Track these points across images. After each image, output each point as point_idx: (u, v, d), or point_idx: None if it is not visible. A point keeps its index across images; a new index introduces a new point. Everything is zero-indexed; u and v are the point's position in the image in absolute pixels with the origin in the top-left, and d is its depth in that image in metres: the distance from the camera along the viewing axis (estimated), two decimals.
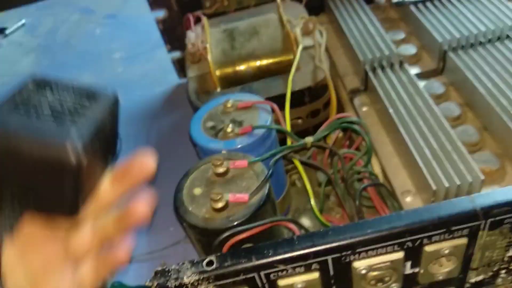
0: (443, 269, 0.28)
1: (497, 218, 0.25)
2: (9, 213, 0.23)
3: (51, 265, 0.23)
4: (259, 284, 0.26)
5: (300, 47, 0.42)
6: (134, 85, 0.64)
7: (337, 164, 0.38)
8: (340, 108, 0.47)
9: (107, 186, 0.24)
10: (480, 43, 0.44)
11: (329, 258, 0.25)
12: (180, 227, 0.45)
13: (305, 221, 0.42)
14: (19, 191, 0.23)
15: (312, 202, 0.38)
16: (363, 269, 0.26)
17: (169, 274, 0.25)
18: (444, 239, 0.25)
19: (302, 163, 0.38)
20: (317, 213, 0.38)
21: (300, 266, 0.25)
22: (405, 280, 0.28)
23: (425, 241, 0.25)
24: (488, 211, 0.24)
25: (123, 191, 0.26)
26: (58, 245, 0.23)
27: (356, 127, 0.36)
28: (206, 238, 0.30)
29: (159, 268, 0.25)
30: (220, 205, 0.30)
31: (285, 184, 0.42)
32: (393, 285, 0.28)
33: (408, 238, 0.25)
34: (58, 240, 0.23)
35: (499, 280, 0.31)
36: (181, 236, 0.44)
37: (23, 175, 0.22)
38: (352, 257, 0.25)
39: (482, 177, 0.32)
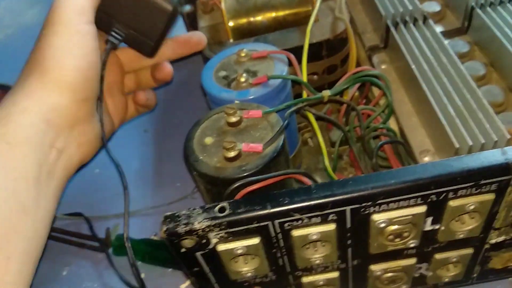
0: (465, 227, 0.26)
1: None
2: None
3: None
4: (273, 233, 0.25)
5: None
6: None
7: (353, 121, 0.36)
8: (358, 66, 0.45)
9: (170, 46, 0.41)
10: (510, 0, 0.41)
11: (348, 208, 0.24)
12: (187, 182, 0.44)
13: (318, 181, 0.41)
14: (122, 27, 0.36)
15: (326, 160, 0.37)
16: (382, 222, 0.25)
17: (179, 219, 0.24)
18: (471, 194, 0.24)
19: (318, 118, 0.36)
20: (330, 171, 0.37)
21: (317, 216, 0.24)
22: (424, 237, 0.27)
23: (450, 195, 0.24)
24: None
25: (181, 54, 0.41)
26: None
27: (377, 81, 0.35)
28: (217, 188, 0.29)
29: (169, 213, 0.24)
30: (232, 154, 0.29)
31: (297, 142, 0.41)
32: (412, 241, 0.26)
33: (433, 191, 0.23)
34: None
35: None
36: (188, 191, 0.43)
37: (127, 15, 0.35)
38: (372, 209, 0.24)
39: (508, 136, 0.31)
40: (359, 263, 0.28)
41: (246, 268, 0.27)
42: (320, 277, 0.29)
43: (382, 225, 0.25)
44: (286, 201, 0.23)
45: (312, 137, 0.43)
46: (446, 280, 0.31)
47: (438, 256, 0.28)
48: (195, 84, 0.54)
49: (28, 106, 0.31)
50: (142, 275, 0.38)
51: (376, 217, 0.24)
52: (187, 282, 0.37)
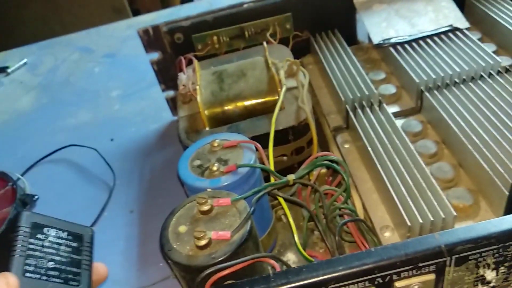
0: None
1: (462, 254, 0.26)
2: None
3: None
4: None
5: (284, 89, 0.45)
6: (130, 122, 0.67)
7: (318, 201, 0.39)
8: (325, 145, 0.49)
9: None
10: (455, 83, 0.47)
11: None
12: None
13: (291, 256, 0.44)
14: None
15: (296, 238, 0.40)
16: None
17: None
18: (413, 275, 0.27)
19: (286, 200, 0.39)
20: (300, 248, 0.39)
21: None
22: None
23: (394, 277, 0.26)
24: (452, 248, 0.26)
25: None
26: None
27: (335, 165, 0.38)
28: (190, 275, 0.31)
29: None
30: (203, 242, 0.32)
31: (271, 219, 0.44)
32: None
33: (378, 274, 0.26)
34: None
35: None
36: (170, 271, 0.45)
37: None
38: None
39: (454, 213, 0.34)
40: None
41: None
42: None
43: None
44: None
45: (286, 213, 0.46)
46: None
47: None
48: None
49: None
50: None
51: None
52: None
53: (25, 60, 0.85)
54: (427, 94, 0.46)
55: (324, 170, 0.45)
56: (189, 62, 0.54)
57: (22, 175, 0.60)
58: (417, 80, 0.47)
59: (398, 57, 0.51)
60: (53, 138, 0.65)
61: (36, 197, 0.56)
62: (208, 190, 0.36)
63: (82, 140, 0.62)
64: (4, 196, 0.56)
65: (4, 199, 0.56)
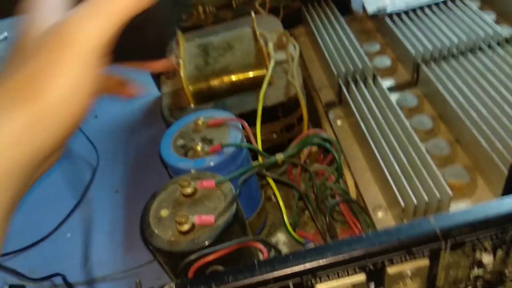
0: None
1: (458, 239, 0.25)
2: None
3: None
4: None
5: (272, 62, 0.42)
6: (114, 98, 0.64)
7: (309, 180, 0.38)
8: (317, 121, 0.47)
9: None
10: (453, 55, 0.44)
11: (290, 283, 0.25)
12: None
13: (281, 236, 0.42)
14: None
15: (285, 218, 0.38)
16: None
17: None
18: (406, 260, 0.25)
19: (274, 180, 0.38)
20: (290, 229, 0.38)
21: None
22: None
23: (386, 263, 0.25)
24: (448, 232, 0.24)
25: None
26: None
27: (327, 144, 0.36)
28: (172, 261, 0.30)
29: None
30: (185, 227, 0.30)
31: (259, 199, 0.42)
32: None
33: (369, 261, 0.25)
34: None
35: None
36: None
37: None
38: (313, 281, 0.25)
39: (451, 193, 0.32)
40: None
41: None
42: None
43: None
44: (230, 280, 0.24)
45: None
46: None
47: None
48: None
49: None
50: None
51: (320, 287, 0.25)
52: None
53: (5, 34, 0.81)
54: (423, 66, 0.44)
55: (315, 148, 0.43)
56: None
57: None
58: (413, 52, 0.44)
59: (394, 28, 0.48)
60: None
61: None
62: (192, 171, 0.34)
63: None
64: None
65: None
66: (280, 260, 0.25)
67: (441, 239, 0.24)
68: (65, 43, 0.24)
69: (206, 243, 0.29)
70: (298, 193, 0.38)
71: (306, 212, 0.42)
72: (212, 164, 0.35)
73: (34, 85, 0.23)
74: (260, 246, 0.31)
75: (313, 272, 0.24)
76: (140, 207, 0.49)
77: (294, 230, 0.39)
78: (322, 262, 0.24)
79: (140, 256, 0.44)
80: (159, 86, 0.61)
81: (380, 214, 0.36)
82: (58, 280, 0.43)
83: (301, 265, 0.24)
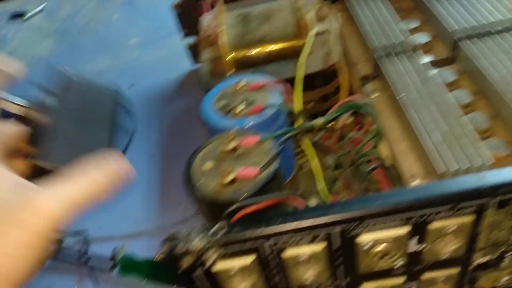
0: (449, 247, 0.28)
1: (506, 196, 0.25)
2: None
3: None
4: (266, 253, 0.26)
5: (313, 32, 0.42)
6: (149, 70, 0.65)
7: (345, 147, 0.38)
8: (352, 95, 0.47)
9: None
10: (491, 33, 0.44)
11: (335, 230, 0.25)
12: (190, 205, 0.46)
13: (312, 204, 0.43)
14: None
15: (320, 184, 0.39)
16: (368, 243, 0.26)
17: (177, 240, 0.26)
18: (451, 216, 0.25)
19: (311, 144, 0.38)
20: (323, 196, 0.38)
21: (306, 237, 0.25)
22: (410, 257, 0.28)
23: (431, 217, 0.25)
24: (496, 189, 0.25)
25: None
26: None
27: (366, 108, 0.37)
28: (215, 211, 0.31)
29: (168, 235, 0.26)
30: (229, 179, 0.31)
31: (293, 167, 0.43)
32: (398, 261, 0.28)
33: (415, 213, 0.25)
34: None
35: (503, 264, 0.31)
36: (191, 213, 0.45)
37: None
38: (357, 230, 0.26)
39: (492, 160, 0.32)
40: (350, 282, 0.30)
41: (241, 287, 0.28)
42: None
43: (368, 245, 0.26)
44: (279, 222, 0.25)
45: (308, 162, 0.45)
46: None
47: (425, 275, 0.30)
48: (199, 109, 0.57)
49: None
50: None
51: (363, 238, 0.26)
52: None
53: (43, 6, 0.83)
54: (462, 43, 0.43)
55: (350, 120, 0.43)
56: (213, 6, 0.51)
57: None
58: (451, 29, 0.44)
59: (432, 5, 0.48)
60: None
61: None
62: (234, 129, 0.35)
63: None
64: None
65: None
66: (327, 207, 0.25)
67: (489, 195, 0.25)
68: (26, 214, 0.22)
69: (249, 194, 0.30)
70: (334, 159, 0.38)
71: (339, 181, 0.43)
72: (252, 124, 0.36)
73: None
74: (299, 202, 0.32)
75: (359, 220, 0.25)
76: (174, 171, 0.51)
77: (326, 198, 0.39)
78: (369, 211, 0.25)
79: (174, 216, 0.45)
80: (195, 58, 0.62)
81: (415, 182, 0.36)
82: (93, 233, 0.44)
83: (348, 213, 0.25)
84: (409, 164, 0.37)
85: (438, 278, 0.30)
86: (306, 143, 0.38)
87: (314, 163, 0.38)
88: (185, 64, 0.63)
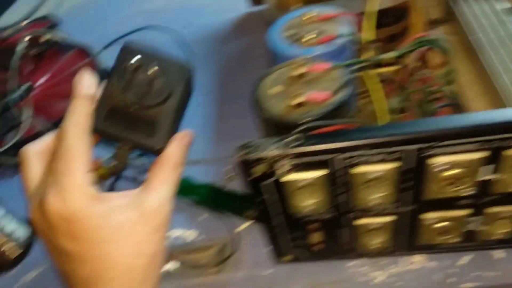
0: None
1: None
2: None
3: None
4: (337, 167, 0.27)
5: None
6: (205, 9, 0.65)
7: (413, 84, 0.37)
8: None
9: None
10: None
11: (411, 148, 0.25)
12: (245, 140, 0.47)
13: None
14: None
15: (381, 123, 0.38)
16: (441, 165, 0.26)
17: (253, 147, 0.26)
18: None
19: (380, 79, 0.37)
20: None
21: (381, 153, 0.25)
22: (480, 186, 0.28)
23: (508, 143, 0.25)
24: None
25: None
26: None
27: (440, 44, 0.35)
28: (282, 132, 0.31)
29: (244, 142, 0.27)
30: (297, 101, 0.31)
31: (353, 108, 0.42)
32: (467, 189, 0.28)
33: (496, 137, 0.24)
34: None
35: None
36: None
37: None
38: (434, 151, 0.25)
39: None
40: (414, 209, 0.30)
41: (305, 203, 0.29)
42: (374, 221, 0.30)
43: (441, 168, 0.26)
44: (355, 137, 0.25)
45: (368, 103, 0.44)
46: (498, 237, 0.31)
47: (492, 209, 0.29)
48: (255, 51, 0.57)
49: None
50: (202, 217, 0.41)
51: (437, 159, 0.26)
52: (242, 226, 0.40)
53: None
54: None
55: (418, 64, 0.42)
56: None
57: (101, 50, 0.61)
58: None
59: None
60: (130, 20, 0.65)
61: None
62: (302, 57, 0.35)
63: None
64: (85, 67, 0.58)
65: None
66: (407, 124, 0.25)
67: None
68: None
69: (318, 116, 0.30)
70: (400, 100, 0.37)
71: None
72: (321, 53, 0.35)
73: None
74: None
75: (438, 139, 0.25)
76: (229, 107, 0.52)
77: None
78: (448, 130, 0.24)
79: (230, 149, 0.46)
80: (249, 1, 0.61)
81: None
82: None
83: (427, 132, 0.25)
84: (480, 107, 0.36)
85: (504, 213, 0.30)
86: (373, 78, 0.37)
87: (379, 97, 0.37)
88: (240, 6, 0.63)
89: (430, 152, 0.25)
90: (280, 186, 0.28)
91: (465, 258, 0.35)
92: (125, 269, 0.24)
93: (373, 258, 0.36)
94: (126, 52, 0.28)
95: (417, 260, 0.36)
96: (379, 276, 0.35)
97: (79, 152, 0.24)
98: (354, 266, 0.36)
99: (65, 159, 0.24)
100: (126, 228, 0.24)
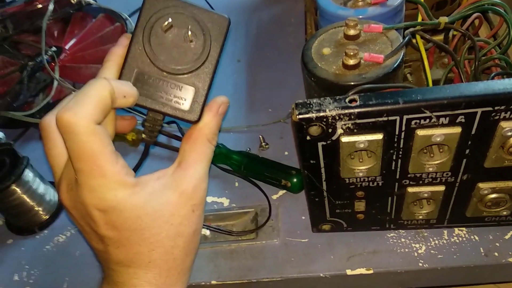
0: None
1: None
2: None
3: None
4: (398, 130, 0.25)
5: None
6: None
7: (466, 52, 0.36)
8: None
9: None
10: None
11: (479, 111, 0.24)
12: (278, 109, 0.46)
13: None
14: None
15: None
16: (510, 130, 0.25)
17: (311, 106, 0.25)
18: None
19: (434, 43, 0.36)
20: None
21: (446, 116, 0.24)
22: None
23: None
24: None
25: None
26: None
27: (498, 9, 0.34)
28: (334, 94, 0.30)
29: (300, 101, 0.26)
30: (353, 61, 0.30)
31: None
32: None
33: None
34: None
35: None
36: (279, 117, 0.45)
37: None
38: (502, 115, 0.24)
39: None
40: (468, 178, 0.29)
41: (359, 167, 0.28)
42: (425, 189, 0.29)
43: (509, 133, 0.25)
44: (419, 98, 0.24)
45: (412, 73, 0.43)
46: None
47: None
48: (286, 20, 0.56)
49: None
50: (236, 184, 0.41)
51: (505, 124, 0.24)
52: (279, 194, 0.39)
53: None
54: None
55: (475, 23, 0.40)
56: None
57: (129, 16, 0.59)
58: None
59: None
60: None
61: None
62: (354, 17, 0.33)
63: None
64: (113, 32, 0.56)
65: (114, 35, 0.56)
66: (474, 85, 0.24)
67: None
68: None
69: (373, 79, 0.29)
70: (453, 62, 0.36)
71: None
72: (374, 14, 0.34)
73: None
74: None
75: (508, 102, 0.23)
76: (260, 75, 0.50)
77: None
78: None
79: (261, 117, 0.45)
80: None
81: None
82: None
83: (497, 94, 0.23)
84: None
85: None
86: (420, 45, 0.36)
87: (426, 63, 0.35)
88: None
89: (497, 117, 0.24)
90: (335, 148, 0.27)
91: (511, 233, 0.34)
92: (165, 251, 0.24)
93: (414, 230, 0.35)
94: (152, 3, 0.25)
95: (460, 234, 0.35)
96: (420, 248, 0.35)
97: (100, 148, 0.22)
98: (395, 237, 0.35)
99: (87, 161, 0.22)
100: (166, 212, 0.24)
